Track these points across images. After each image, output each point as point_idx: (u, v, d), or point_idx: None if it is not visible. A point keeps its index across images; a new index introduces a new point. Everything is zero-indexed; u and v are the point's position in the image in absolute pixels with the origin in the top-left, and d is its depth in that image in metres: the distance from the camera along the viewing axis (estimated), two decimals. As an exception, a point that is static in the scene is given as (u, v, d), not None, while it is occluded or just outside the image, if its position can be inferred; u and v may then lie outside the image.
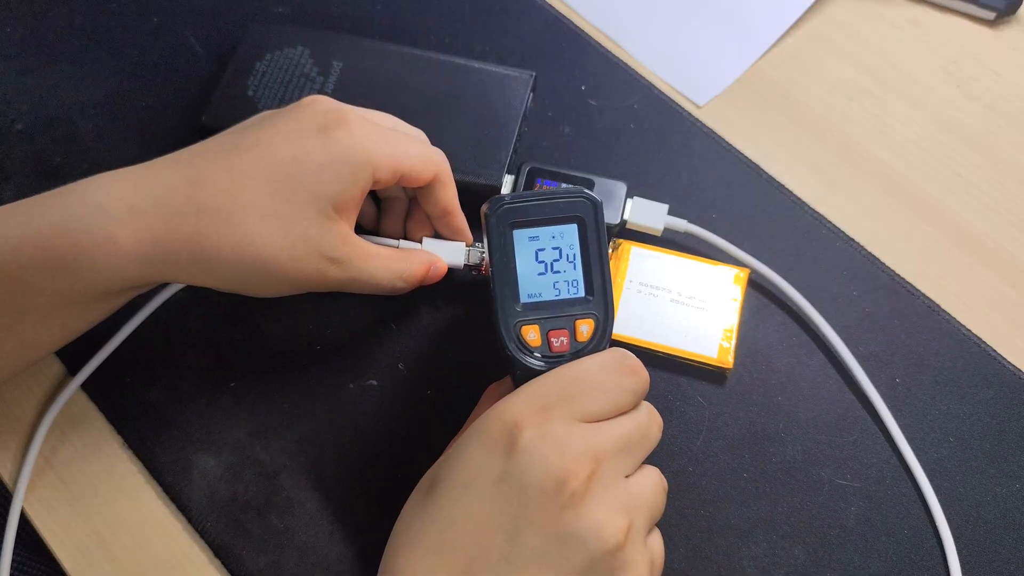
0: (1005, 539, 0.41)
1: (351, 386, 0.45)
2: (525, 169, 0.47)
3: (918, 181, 0.50)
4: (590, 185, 0.47)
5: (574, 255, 0.39)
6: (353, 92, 0.49)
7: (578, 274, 0.38)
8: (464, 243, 0.44)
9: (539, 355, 0.38)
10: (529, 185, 0.47)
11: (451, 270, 0.44)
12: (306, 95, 0.43)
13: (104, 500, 0.43)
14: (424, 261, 0.42)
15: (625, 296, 0.45)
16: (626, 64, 0.54)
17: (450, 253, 0.44)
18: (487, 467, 0.33)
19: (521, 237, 0.38)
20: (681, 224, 0.47)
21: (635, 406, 0.36)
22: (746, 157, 0.51)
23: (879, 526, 0.42)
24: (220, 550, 0.42)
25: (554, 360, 0.37)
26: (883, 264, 0.48)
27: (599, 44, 0.55)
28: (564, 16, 0.56)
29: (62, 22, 0.55)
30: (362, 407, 0.44)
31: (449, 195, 0.43)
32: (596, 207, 0.39)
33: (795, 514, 0.42)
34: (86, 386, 0.45)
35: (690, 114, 0.52)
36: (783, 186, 0.50)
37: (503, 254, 0.38)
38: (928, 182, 0.50)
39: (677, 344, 0.44)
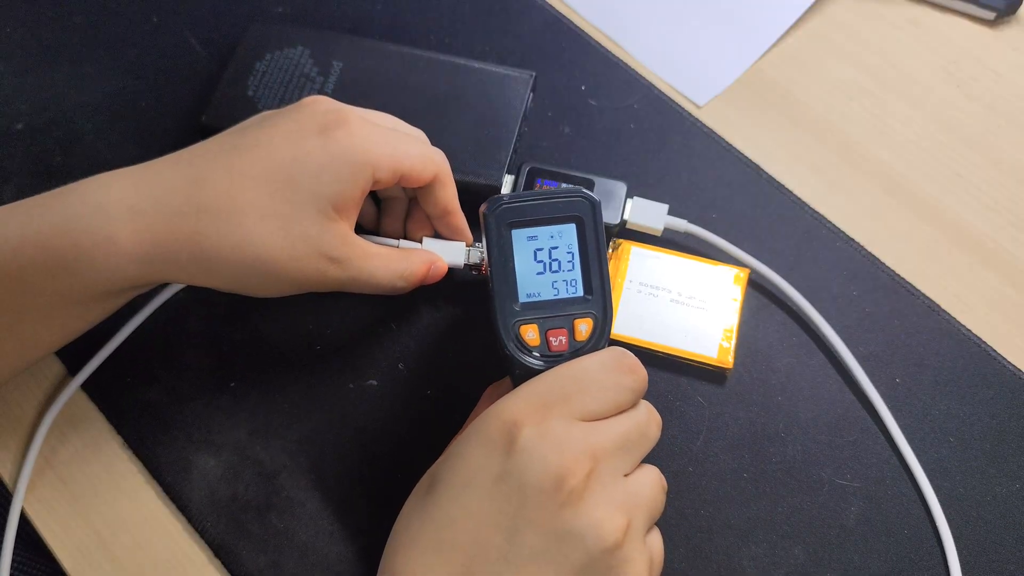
0: (1005, 539, 0.41)
1: (351, 386, 0.45)
2: (525, 169, 0.47)
3: (918, 181, 0.50)
4: (590, 185, 0.47)
5: (573, 255, 0.39)
6: (353, 92, 0.49)
7: (577, 273, 0.38)
8: (464, 243, 0.44)
9: (538, 354, 0.38)
10: (529, 185, 0.47)
11: (451, 270, 0.44)
12: (306, 95, 0.43)
13: (104, 500, 0.43)
14: (424, 261, 0.42)
15: (625, 296, 0.45)
16: (626, 64, 0.54)
17: (450, 253, 0.44)
18: (486, 466, 0.33)
19: (520, 237, 0.38)
20: (681, 224, 0.47)
21: (634, 405, 0.36)
22: (746, 157, 0.51)
23: (879, 526, 0.42)
24: (220, 550, 0.42)
25: (553, 359, 0.37)
26: (883, 264, 0.48)
27: (599, 44, 0.55)
28: (564, 16, 0.56)
29: (62, 22, 0.55)
30: (362, 407, 0.44)
31: (449, 195, 0.43)
32: (595, 207, 0.39)
33: (795, 514, 0.42)
34: (86, 386, 0.45)
35: (690, 114, 0.52)
36: (783, 186, 0.50)
37: (501, 254, 0.38)
38: (928, 182, 0.50)
39: (677, 344, 0.44)
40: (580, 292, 0.38)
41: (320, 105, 0.40)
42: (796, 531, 0.42)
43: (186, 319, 0.46)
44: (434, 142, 0.43)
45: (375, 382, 0.45)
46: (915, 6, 0.56)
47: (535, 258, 0.38)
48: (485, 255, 0.39)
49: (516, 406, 0.34)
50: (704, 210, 0.49)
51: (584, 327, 0.38)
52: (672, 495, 0.38)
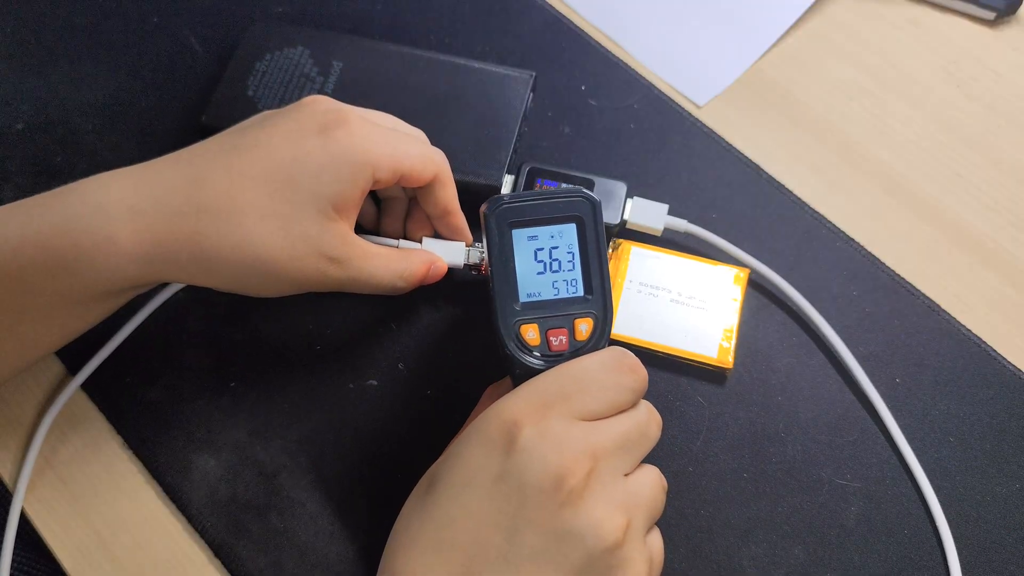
0: (1005, 539, 0.41)
1: (351, 386, 0.45)
2: (525, 169, 0.47)
3: (918, 181, 0.50)
4: (590, 185, 0.47)
5: (573, 254, 0.39)
6: (353, 92, 0.49)
7: (577, 273, 0.39)
8: (464, 243, 0.44)
9: (538, 354, 0.38)
10: (529, 185, 0.47)
11: (451, 270, 0.44)
12: (306, 95, 0.43)
13: (104, 500, 0.43)
14: (424, 261, 0.42)
15: (625, 296, 0.45)
16: (626, 64, 0.54)
17: (450, 253, 0.44)
18: (486, 466, 0.33)
19: (520, 237, 0.38)
20: (681, 224, 0.47)
21: (634, 404, 0.36)
22: (746, 157, 0.51)
23: (879, 526, 0.42)
24: (220, 550, 0.42)
25: (553, 359, 0.37)
26: (883, 264, 0.48)
27: (599, 44, 0.55)
28: (564, 16, 0.56)
29: (62, 22, 0.55)
30: (362, 407, 0.44)
31: (449, 195, 0.43)
32: (595, 207, 0.39)
33: (795, 514, 0.42)
34: (86, 386, 0.45)
35: (690, 114, 0.52)
36: (783, 186, 0.50)
37: (502, 254, 0.38)
38: (928, 182, 0.50)
39: (677, 344, 0.44)
40: (580, 292, 0.38)
41: (320, 105, 0.40)
42: (796, 531, 0.41)
43: (186, 319, 0.46)
44: (434, 142, 0.43)
45: (375, 382, 0.45)
46: (915, 6, 0.56)
47: (535, 258, 0.38)
48: (485, 255, 0.39)
49: (516, 406, 0.34)
50: (704, 210, 0.49)
51: (584, 327, 0.38)
52: (672, 495, 0.38)
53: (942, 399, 0.44)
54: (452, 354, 0.46)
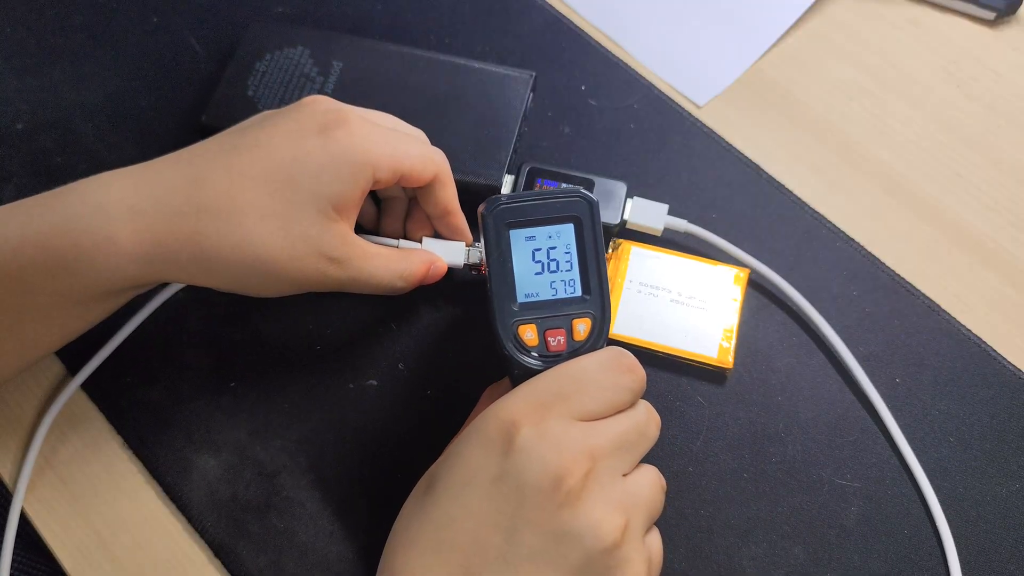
0: (1005, 539, 0.41)
1: (351, 386, 0.45)
2: (525, 169, 0.47)
3: (918, 181, 0.50)
4: (590, 185, 0.47)
5: (571, 255, 0.39)
6: (353, 92, 0.49)
7: (575, 273, 0.38)
8: (464, 243, 0.44)
9: (536, 354, 0.38)
10: (529, 185, 0.47)
11: (451, 270, 0.44)
12: (306, 95, 0.43)
13: (104, 500, 0.43)
14: (424, 261, 0.42)
15: (625, 296, 0.45)
16: (626, 64, 0.54)
17: (450, 253, 0.44)
18: (485, 466, 0.33)
19: (518, 237, 0.38)
20: (681, 224, 0.47)
21: (632, 404, 0.36)
22: (746, 157, 0.51)
23: (879, 526, 0.42)
24: (220, 550, 0.42)
25: (551, 359, 0.37)
26: (883, 264, 0.47)
27: (599, 44, 0.55)
28: (564, 16, 0.56)
29: (62, 22, 0.55)
30: (362, 407, 0.44)
31: (449, 195, 0.43)
32: (592, 207, 0.39)
33: (795, 514, 0.42)
34: (86, 386, 0.45)
35: (690, 114, 0.52)
36: (783, 186, 0.50)
37: (500, 254, 0.38)
38: (928, 182, 0.50)
39: (677, 344, 0.44)
40: (578, 292, 0.38)
41: (320, 105, 0.40)
42: (796, 531, 0.41)
43: (186, 319, 0.46)
44: (434, 142, 0.43)
45: (375, 382, 0.45)
46: (915, 6, 0.56)
47: (533, 258, 0.38)
48: (484, 255, 0.39)
49: (515, 406, 0.34)
50: (704, 210, 0.49)
51: (582, 327, 0.38)
52: (672, 495, 0.38)
53: (942, 399, 0.44)
54: (452, 354, 0.46)
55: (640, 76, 0.54)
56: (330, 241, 0.39)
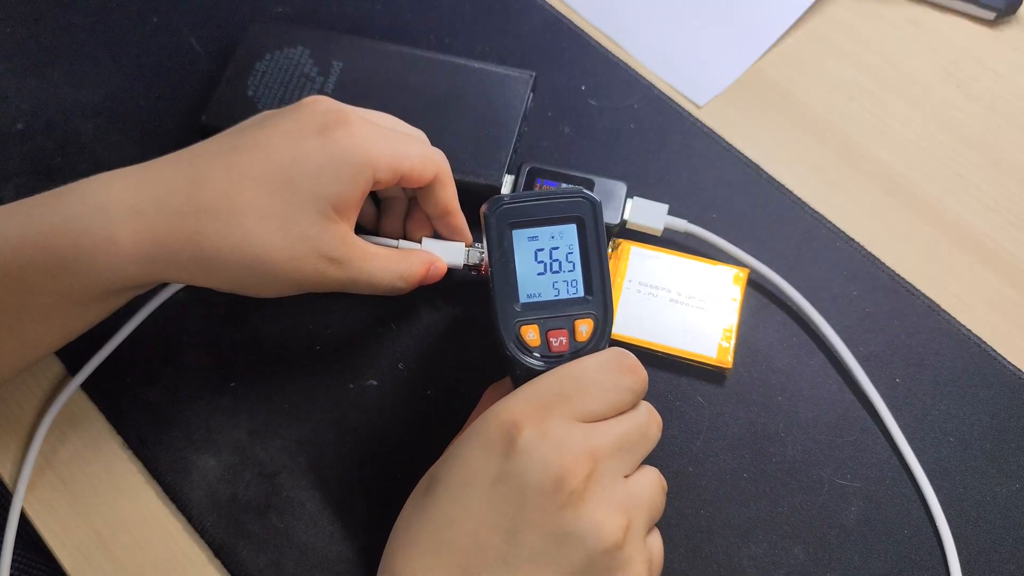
0: (1005, 539, 0.41)
1: (351, 386, 0.45)
2: (525, 169, 0.47)
3: (918, 181, 0.50)
4: (590, 185, 0.47)
5: (573, 255, 0.39)
6: (353, 92, 0.49)
7: (577, 274, 0.38)
8: (464, 243, 0.44)
9: (538, 355, 0.38)
10: (529, 185, 0.47)
11: (451, 270, 0.44)
12: (306, 95, 0.43)
13: (104, 500, 0.43)
14: (424, 261, 0.42)
15: (625, 296, 0.45)
16: (626, 64, 0.54)
17: (450, 253, 0.44)
18: (486, 467, 0.33)
19: (520, 237, 0.38)
20: (681, 224, 0.47)
21: (634, 405, 0.36)
22: (746, 157, 0.51)
23: (879, 526, 0.42)
24: (220, 550, 0.42)
25: (553, 360, 0.37)
26: (883, 264, 0.48)
27: (599, 44, 0.55)
28: (564, 16, 0.56)
29: (61, 22, 0.55)
30: (362, 407, 0.44)
31: (449, 195, 0.43)
32: (595, 207, 0.39)
33: (795, 514, 0.42)
34: (86, 386, 0.45)
35: (690, 114, 0.52)
36: (783, 186, 0.50)
37: (502, 254, 0.38)
38: (928, 182, 0.50)
39: (677, 344, 0.44)
40: (581, 292, 0.38)
41: (320, 105, 0.40)
42: (796, 531, 0.42)
43: (186, 319, 0.46)
44: (434, 142, 0.43)
45: (375, 382, 0.45)
46: (915, 6, 0.56)
47: (536, 258, 0.38)
48: (485, 255, 0.39)
49: (516, 407, 0.34)
50: (704, 210, 0.49)
51: (585, 328, 0.38)
52: (672, 495, 0.38)
53: (942, 399, 0.44)
54: (452, 354, 0.46)
55: (640, 76, 0.54)
56: (330, 241, 0.39)
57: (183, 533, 0.42)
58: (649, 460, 0.36)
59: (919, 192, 0.50)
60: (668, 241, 0.47)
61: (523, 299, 0.38)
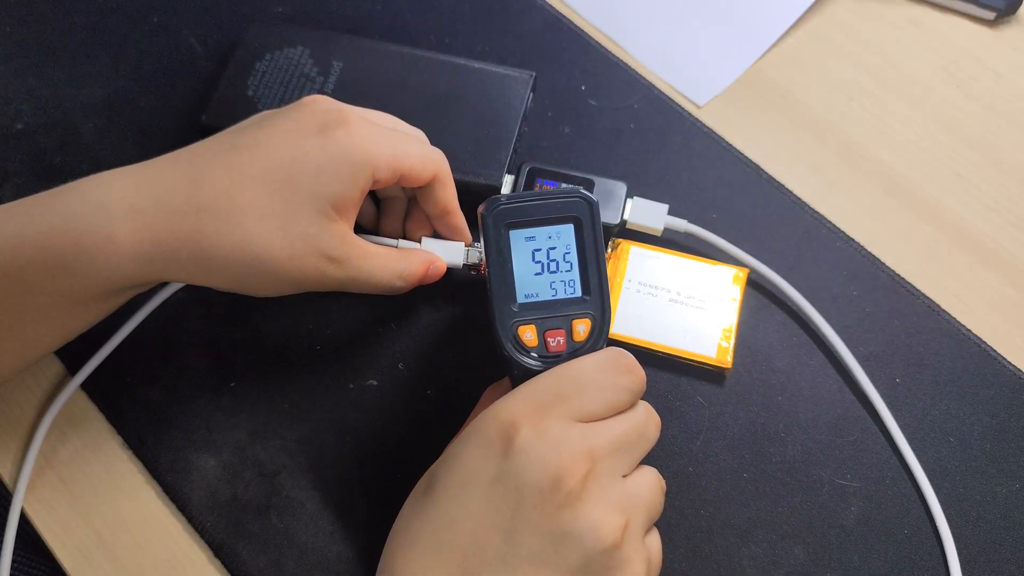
0: (1005, 539, 0.41)
1: (351, 386, 0.45)
2: (525, 169, 0.47)
3: (918, 181, 0.50)
4: (590, 185, 0.47)
5: (571, 255, 0.39)
6: (353, 92, 0.49)
7: (575, 274, 0.38)
8: (463, 243, 0.44)
9: (536, 355, 0.38)
10: (529, 185, 0.47)
11: (450, 270, 0.44)
12: (306, 95, 0.43)
13: (104, 500, 0.43)
14: (423, 260, 0.42)
15: (624, 296, 0.45)
16: (626, 64, 0.54)
17: (449, 253, 0.44)
18: (484, 467, 0.33)
19: (517, 237, 0.38)
20: (681, 224, 0.47)
21: (632, 405, 0.36)
22: (746, 157, 0.51)
23: (879, 526, 0.42)
24: (220, 550, 0.42)
25: (551, 360, 0.37)
26: (883, 264, 0.47)
27: (599, 44, 0.55)
28: (564, 16, 0.56)
29: (62, 22, 0.55)
30: (362, 407, 0.44)
31: (449, 195, 0.43)
32: (592, 207, 0.38)
33: (795, 514, 0.42)
34: (86, 386, 0.45)
35: (690, 114, 0.52)
36: (783, 186, 0.50)
37: (499, 254, 0.38)
38: (928, 182, 0.50)
39: (676, 344, 0.44)
40: (578, 292, 0.38)
41: (320, 105, 0.40)
42: (796, 531, 0.41)
43: (186, 319, 0.46)
44: (434, 142, 0.43)
45: (375, 382, 0.45)
46: (915, 6, 0.56)
47: (533, 259, 0.38)
48: (483, 255, 0.39)
49: (514, 407, 0.34)
50: (704, 210, 0.49)
51: (582, 327, 0.38)
52: (672, 495, 0.38)
53: (942, 399, 0.44)
54: (452, 354, 0.46)
55: (640, 76, 0.54)
56: (329, 241, 0.39)
57: (183, 533, 0.42)
58: (648, 460, 0.36)
59: (919, 192, 0.50)
60: (668, 241, 0.47)
61: (520, 299, 0.38)
